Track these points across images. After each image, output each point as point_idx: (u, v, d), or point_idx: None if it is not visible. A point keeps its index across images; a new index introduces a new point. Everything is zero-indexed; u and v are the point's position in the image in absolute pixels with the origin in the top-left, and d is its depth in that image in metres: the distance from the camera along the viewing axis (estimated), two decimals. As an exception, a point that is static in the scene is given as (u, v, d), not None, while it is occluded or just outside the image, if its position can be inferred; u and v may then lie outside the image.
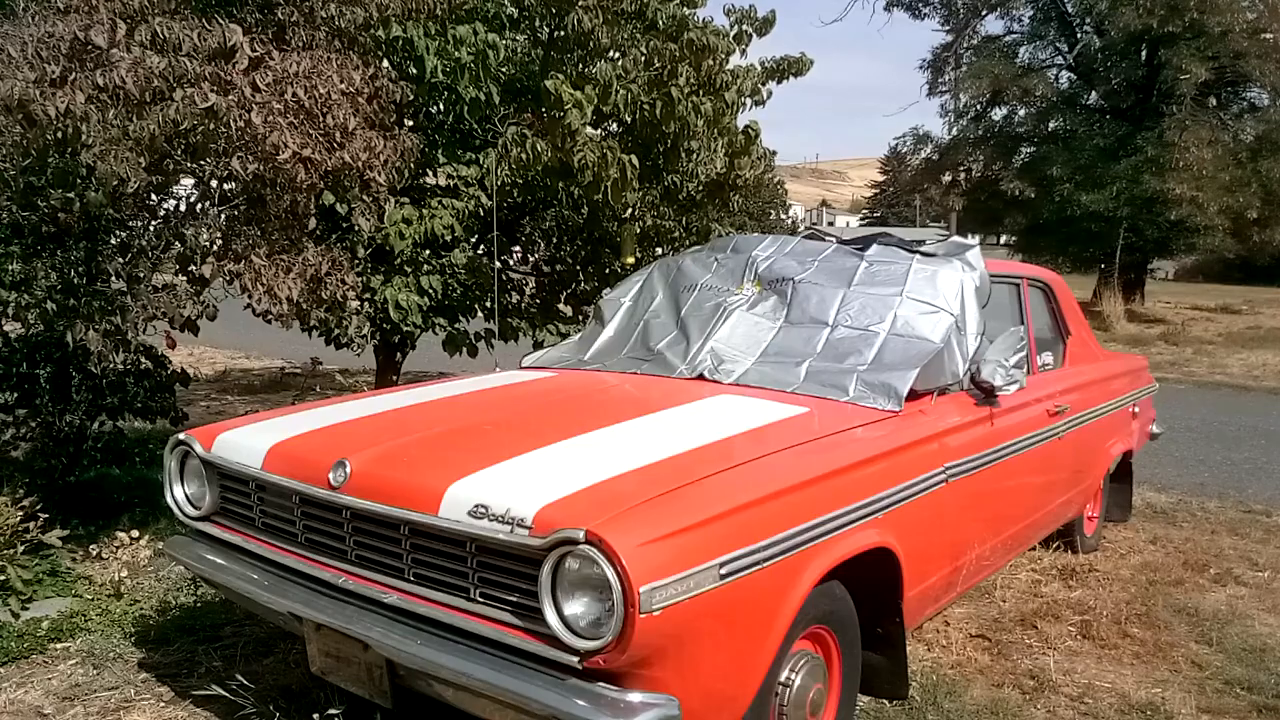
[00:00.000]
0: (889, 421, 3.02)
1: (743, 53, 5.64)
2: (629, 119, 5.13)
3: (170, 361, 4.89)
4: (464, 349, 5.73)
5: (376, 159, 3.73)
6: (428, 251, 5.38)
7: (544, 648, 2.12)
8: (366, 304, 5.16)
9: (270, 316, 3.90)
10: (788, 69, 5.87)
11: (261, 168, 3.51)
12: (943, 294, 3.47)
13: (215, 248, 4.00)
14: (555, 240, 6.48)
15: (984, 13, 22.81)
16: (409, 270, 5.24)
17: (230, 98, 3.32)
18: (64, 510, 4.37)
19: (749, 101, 5.59)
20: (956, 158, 24.14)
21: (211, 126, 3.35)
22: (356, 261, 4.96)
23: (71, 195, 3.79)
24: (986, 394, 3.41)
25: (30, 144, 3.24)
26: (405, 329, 5.34)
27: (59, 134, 3.19)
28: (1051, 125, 22.70)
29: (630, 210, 5.62)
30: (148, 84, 3.21)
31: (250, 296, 3.75)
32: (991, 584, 4.25)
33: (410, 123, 5.40)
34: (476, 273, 5.39)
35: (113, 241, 4.25)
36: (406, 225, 5.02)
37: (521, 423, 2.98)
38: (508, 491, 2.26)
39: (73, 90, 3.11)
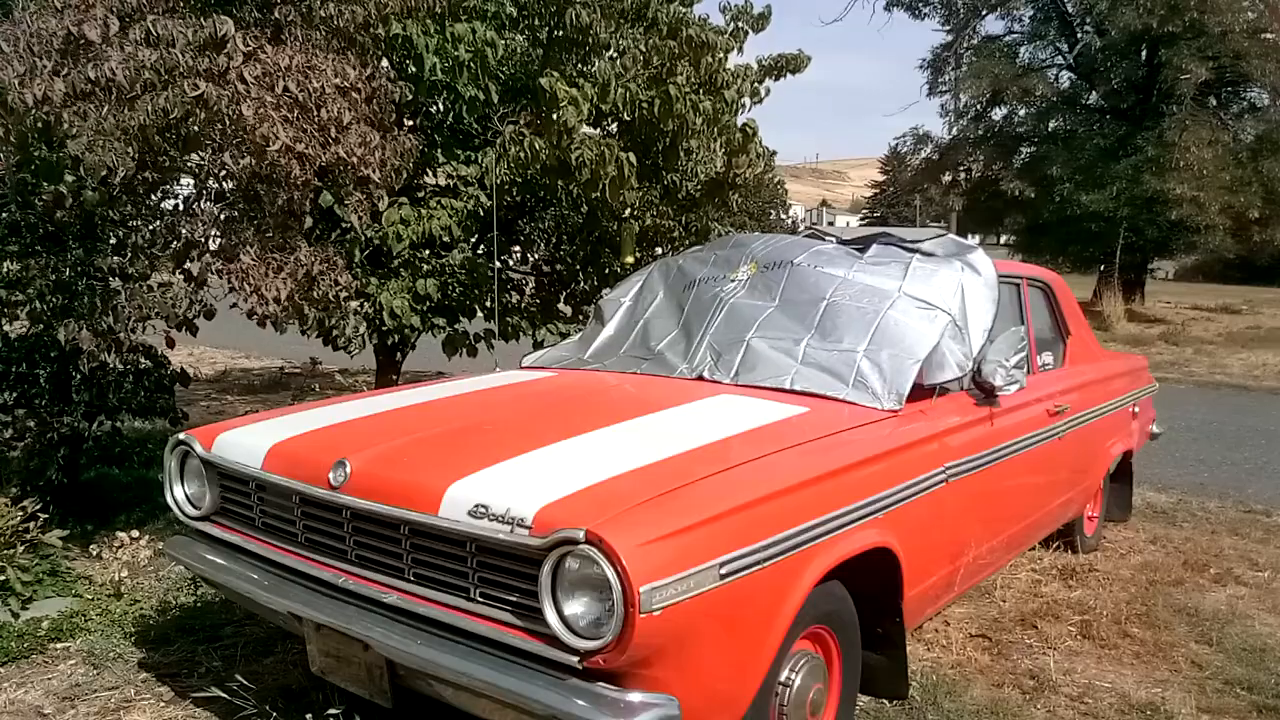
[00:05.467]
0: (889, 421, 3.02)
1: (739, 50, 5.65)
2: (628, 117, 5.13)
3: (169, 361, 4.89)
4: (463, 350, 5.73)
5: (372, 155, 3.72)
6: (427, 252, 5.38)
7: (544, 648, 2.12)
8: (366, 305, 5.16)
9: (258, 316, 3.89)
10: (785, 66, 5.87)
11: (254, 162, 3.50)
12: (941, 293, 3.47)
13: (212, 246, 3.99)
14: (555, 240, 6.48)
15: (984, 13, 22.84)
16: (405, 273, 5.24)
17: (224, 90, 3.31)
18: (64, 510, 4.37)
19: (748, 101, 5.60)
20: (956, 158, 24.17)
21: (203, 116, 3.35)
22: (354, 265, 4.95)
23: (63, 190, 3.79)
24: (987, 394, 3.41)
25: (10, 132, 3.24)
26: (402, 331, 5.33)
27: (39, 123, 3.19)
28: (1051, 125, 22.74)
29: (629, 210, 5.62)
30: (138, 75, 3.20)
31: (239, 295, 3.74)
32: (991, 584, 4.25)
33: (410, 122, 5.40)
34: (475, 273, 5.39)
35: (111, 241, 4.25)
36: (404, 226, 5.02)
37: (521, 423, 2.98)
38: (508, 491, 2.25)
39: (51, 78, 3.11)
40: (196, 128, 3.45)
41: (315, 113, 3.56)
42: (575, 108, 4.64)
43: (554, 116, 4.66)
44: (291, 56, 3.49)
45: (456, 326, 5.70)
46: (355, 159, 3.67)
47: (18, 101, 3.09)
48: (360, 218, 4.15)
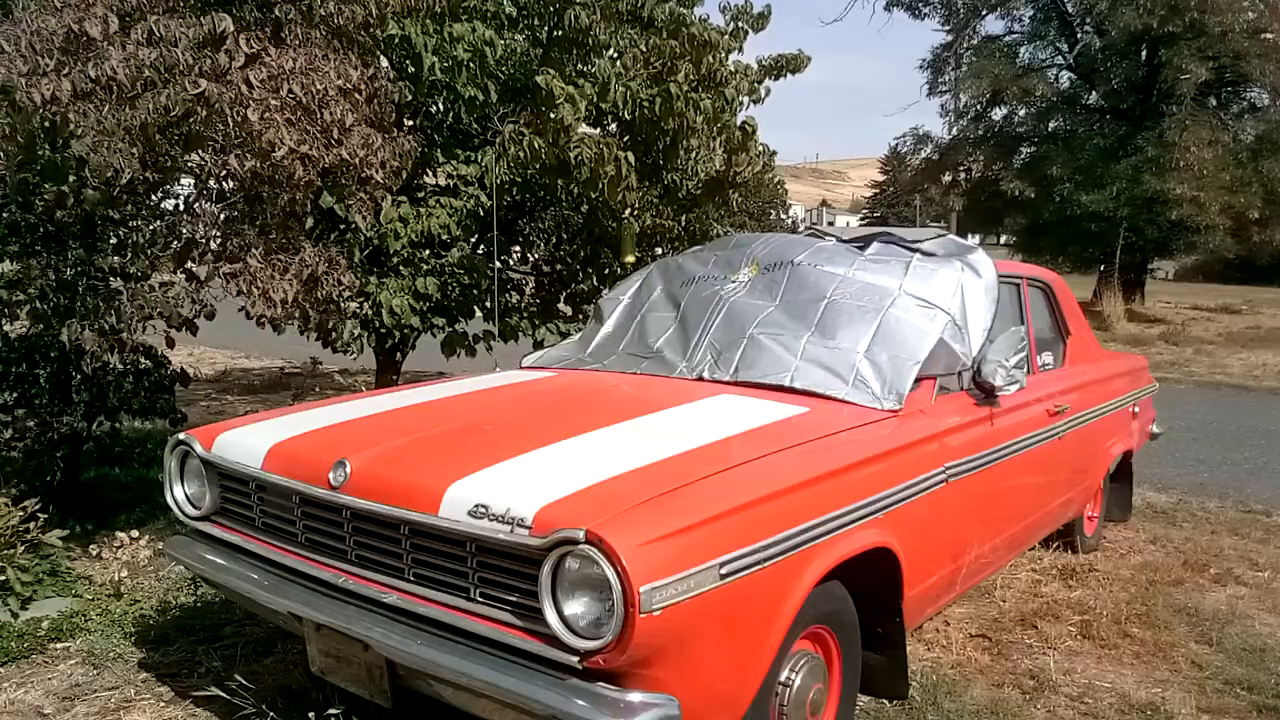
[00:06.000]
0: (889, 421, 3.02)
1: (739, 50, 5.65)
2: (628, 116, 5.13)
3: (169, 361, 4.89)
4: (461, 351, 5.72)
5: (374, 156, 3.72)
6: (427, 251, 5.38)
7: (544, 648, 2.12)
8: (365, 306, 5.16)
9: (265, 319, 3.88)
10: (785, 65, 5.88)
11: (259, 165, 3.51)
12: (941, 293, 3.47)
13: (213, 246, 3.99)
14: (555, 240, 6.48)
15: (984, 13, 22.84)
16: (405, 272, 5.23)
17: (228, 93, 3.32)
18: (64, 510, 4.37)
19: (746, 100, 5.60)
20: (956, 158, 24.18)
21: (204, 115, 3.35)
22: (355, 265, 4.95)
23: (66, 190, 3.79)
24: (987, 394, 3.41)
25: (17, 131, 3.25)
26: (401, 332, 5.33)
27: (46, 122, 3.19)
28: (1051, 125, 22.73)
29: (629, 209, 5.62)
30: (139, 74, 3.20)
31: (245, 299, 3.74)
32: (991, 584, 4.25)
33: (410, 122, 5.40)
34: (475, 272, 5.39)
35: (112, 241, 4.25)
36: (403, 225, 5.02)
37: (521, 423, 2.98)
38: (508, 491, 2.25)
39: (58, 78, 3.11)
40: (198, 126, 3.45)
41: (319, 114, 3.56)
42: (572, 105, 4.64)
43: (551, 115, 4.66)
44: (295, 59, 3.50)
45: (456, 327, 5.70)
46: (358, 160, 3.68)
47: (25, 101, 3.10)
48: (364, 217, 4.15)
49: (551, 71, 4.82)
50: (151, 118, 3.23)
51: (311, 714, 2.72)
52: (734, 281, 3.77)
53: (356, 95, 3.73)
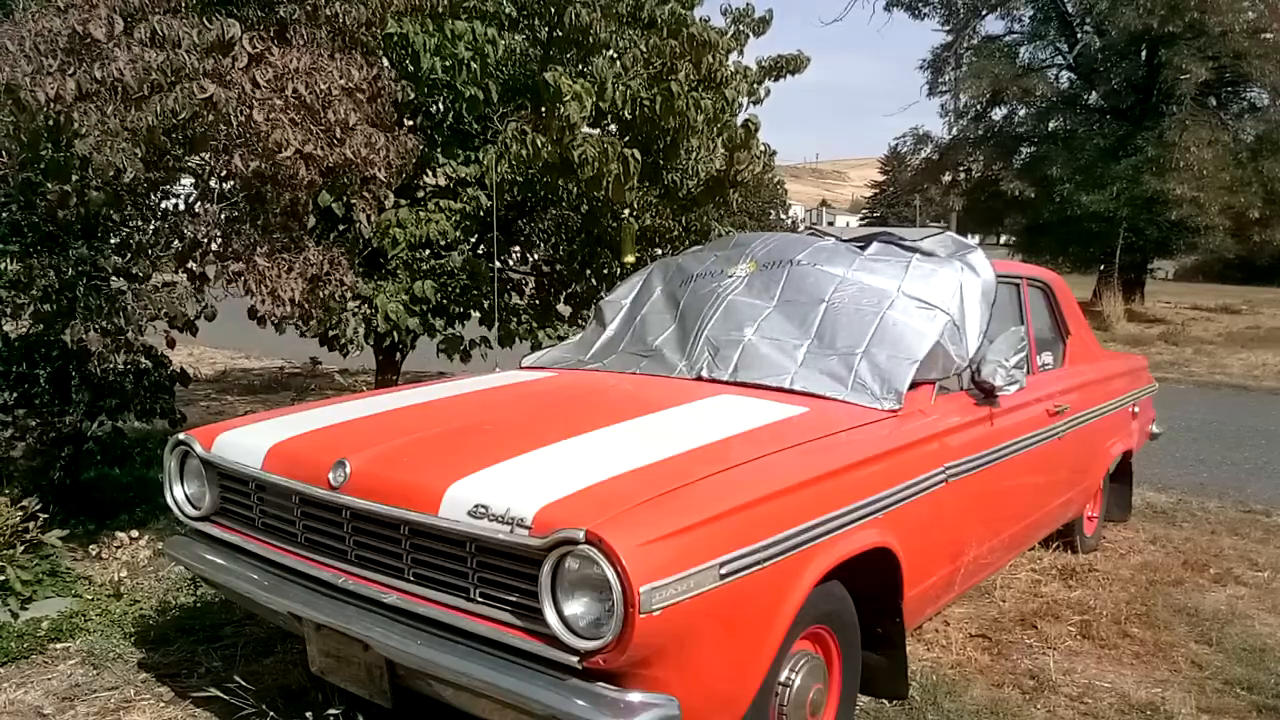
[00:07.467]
0: (888, 421, 3.02)
1: (739, 52, 5.66)
2: (628, 116, 5.13)
3: (170, 361, 4.89)
4: (460, 354, 5.72)
5: (377, 155, 3.73)
6: (428, 252, 5.38)
7: (544, 648, 2.12)
8: (363, 307, 5.16)
9: (271, 318, 3.89)
10: (785, 66, 5.89)
11: (263, 164, 3.51)
12: (940, 293, 3.47)
13: (216, 246, 4.00)
14: (554, 240, 6.48)
15: (984, 13, 22.85)
16: (403, 274, 5.23)
17: (231, 92, 3.32)
18: (64, 510, 4.37)
19: (746, 101, 5.60)
20: (956, 158, 24.20)
21: (210, 118, 3.35)
22: (354, 265, 4.95)
23: (68, 189, 3.79)
24: (986, 394, 3.41)
25: (21, 130, 3.25)
26: (400, 333, 5.33)
27: (50, 121, 3.20)
28: (1051, 125, 22.76)
29: (629, 209, 5.62)
30: (145, 76, 3.21)
31: (253, 298, 3.75)
32: (991, 584, 4.25)
33: (410, 122, 5.40)
34: (474, 275, 5.39)
35: (113, 240, 4.25)
36: (401, 229, 5.02)
37: (521, 423, 2.98)
38: (507, 491, 2.26)
39: (62, 77, 3.11)
40: (204, 129, 3.46)
41: (322, 114, 3.57)
42: (578, 102, 4.63)
43: (556, 112, 4.66)
44: (299, 58, 3.50)
45: (454, 329, 5.70)
46: (360, 159, 3.68)
47: (30, 99, 3.10)
48: (369, 216, 4.16)
49: (559, 69, 4.82)
50: (157, 120, 3.24)
51: (311, 714, 2.72)
52: (731, 278, 3.78)
53: (359, 95, 3.74)
